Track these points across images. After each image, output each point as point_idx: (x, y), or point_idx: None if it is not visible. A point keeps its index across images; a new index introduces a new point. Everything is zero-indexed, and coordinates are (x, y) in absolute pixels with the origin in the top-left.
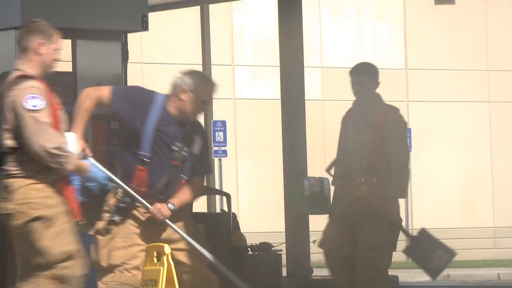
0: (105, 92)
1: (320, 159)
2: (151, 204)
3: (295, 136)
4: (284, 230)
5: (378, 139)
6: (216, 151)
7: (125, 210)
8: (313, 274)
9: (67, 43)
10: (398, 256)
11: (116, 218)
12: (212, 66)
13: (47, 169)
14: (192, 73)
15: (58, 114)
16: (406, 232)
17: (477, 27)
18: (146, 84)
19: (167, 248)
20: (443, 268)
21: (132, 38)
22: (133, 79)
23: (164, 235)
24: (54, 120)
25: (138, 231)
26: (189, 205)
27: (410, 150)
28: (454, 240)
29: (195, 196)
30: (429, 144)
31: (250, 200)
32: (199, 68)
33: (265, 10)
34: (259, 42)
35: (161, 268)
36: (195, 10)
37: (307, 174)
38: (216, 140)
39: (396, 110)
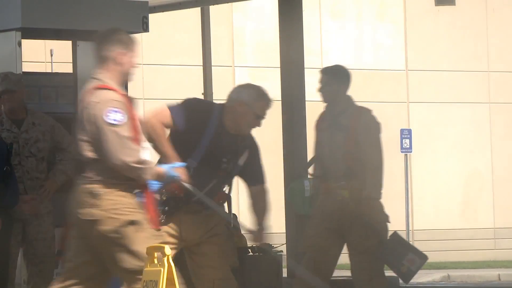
0: (166, 117)
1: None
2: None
3: (296, 137)
4: (284, 231)
5: (352, 142)
6: None
7: (170, 213)
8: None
9: (67, 45)
10: None
11: (162, 218)
12: (212, 67)
13: (128, 179)
14: (249, 87)
15: (137, 125)
16: (378, 236)
17: (478, 28)
18: (147, 85)
19: (167, 249)
20: (415, 272)
21: None
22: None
23: (199, 235)
24: (134, 132)
25: (176, 231)
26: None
27: (410, 152)
28: (455, 241)
29: (267, 202)
30: (430, 145)
31: None
32: (199, 69)
33: (265, 11)
34: (259, 43)
35: (162, 269)
36: (196, 12)
37: (307, 175)
38: None
39: (368, 111)
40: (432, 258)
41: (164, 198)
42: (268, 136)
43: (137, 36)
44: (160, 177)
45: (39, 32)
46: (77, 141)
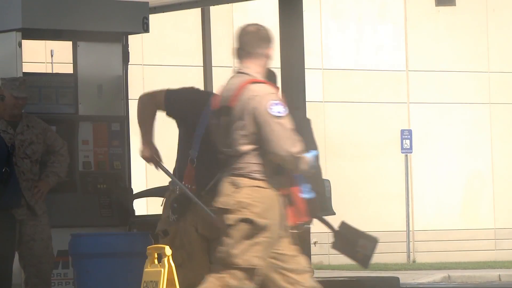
0: (160, 97)
1: (320, 160)
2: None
3: None
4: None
5: None
6: None
7: (180, 210)
8: (314, 275)
9: (68, 45)
10: (399, 257)
11: (173, 217)
12: (213, 67)
13: (276, 174)
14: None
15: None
16: (329, 226)
17: (478, 28)
18: (147, 86)
19: (167, 250)
20: (371, 255)
21: (133, 40)
22: (134, 81)
23: (215, 230)
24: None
25: (194, 228)
26: None
27: (411, 152)
28: (455, 242)
29: None
30: (430, 145)
31: None
32: (200, 70)
33: (266, 11)
34: None
35: (162, 269)
36: (196, 12)
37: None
38: None
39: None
40: (432, 258)
41: (178, 193)
42: None
43: (138, 37)
44: (309, 166)
45: (40, 32)
46: (230, 135)
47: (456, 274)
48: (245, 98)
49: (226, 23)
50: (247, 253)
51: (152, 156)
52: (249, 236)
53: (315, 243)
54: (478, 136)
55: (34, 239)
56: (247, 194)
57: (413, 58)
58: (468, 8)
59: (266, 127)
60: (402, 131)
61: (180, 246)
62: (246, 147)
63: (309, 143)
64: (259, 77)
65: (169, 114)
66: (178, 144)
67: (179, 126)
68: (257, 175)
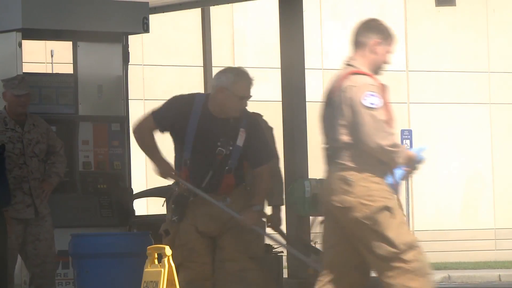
0: (149, 123)
1: (321, 160)
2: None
3: (296, 137)
4: (285, 232)
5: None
6: None
7: (180, 210)
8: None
9: (68, 45)
10: None
11: (174, 218)
12: (213, 68)
13: (380, 162)
14: (227, 71)
15: (391, 112)
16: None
17: (478, 28)
18: (147, 86)
19: (167, 250)
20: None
21: (133, 40)
22: (134, 81)
23: (214, 227)
24: (388, 119)
25: (191, 226)
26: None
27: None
28: (455, 242)
29: (269, 183)
30: (430, 145)
31: None
32: (200, 70)
33: (266, 12)
34: (260, 44)
35: (162, 269)
36: (196, 12)
37: (308, 176)
38: None
39: (259, 116)
40: (432, 258)
41: (176, 194)
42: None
43: (138, 37)
44: (409, 160)
45: (40, 33)
46: (332, 126)
47: (456, 274)
48: (345, 89)
49: (226, 23)
50: (401, 236)
51: (169, 173)
52: (391, 221)
53: (315, 243)
54: (478, 136)
55: (39, 239)
56: (363, 187)
57: (413, 58)
58: (468, 8)
59: (358, 117)
60: (402, 131)
61: (180, 245)
62: (346, 138)
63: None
64: (363, 69)
65: (162, 131)
66: (174, 152)
67: (171, 135)
68: (364, 167)
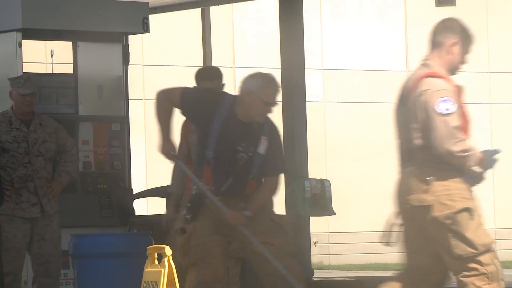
0: (175, 97)
1: (321, 160)
2: (225, 204)
3: (296, 137)
4: None
5: None
6: None
7: (195, 209)
8: (314, 275)
9: (68, 45)
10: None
11: (188, 216)
12: None
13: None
14: (256, 76)
15: (466, 113)
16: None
17: (478, 28)
18: (147, 86)
19: (168, 250)
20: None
21: (133, 40)
22: (134, 81)
23: (234, 229)
24: (463, 121)
25: (210, 227)
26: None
27: None
28: None
29: (270, 196)
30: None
31: None
32: None
33: (266, 12)
34: (260, 44)
35: (162, 269)
36: (196, 12)
37: (308, 176)
38: None
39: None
40: None
41: (193, 193)
42: None
43: (138, 37)
44: (481, 163)
45: (40, 33)
46: (407, 128)
47: None
48: (419, 92)
49: (226, 23)
50: (480, 237)
51: (169, 152)
52: (471, 222)
53: (315, 243)
54: (478, 136)
55: (44, 238)
56: (442, 186)
57: (413, 58)
58: (468, 8)
59: (431, 122)
60: None
61: (196, 244)
62: (420, 141)
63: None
64: (439, 70)
65: (183, 114)
66: (197, 143)
67: (196, 126)
68: (441, 166)
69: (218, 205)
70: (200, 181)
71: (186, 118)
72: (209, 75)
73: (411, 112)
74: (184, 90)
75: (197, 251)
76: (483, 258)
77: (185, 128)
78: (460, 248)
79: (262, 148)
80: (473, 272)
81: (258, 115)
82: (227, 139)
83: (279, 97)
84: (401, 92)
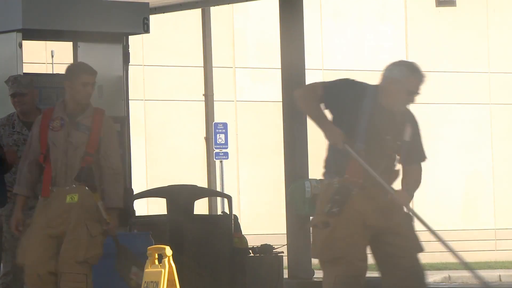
0: (318, 91)
1: (321, 161)
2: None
3: (296, 138)
4: (285, 232)
5: (93, 144)
6: (217, 153)
7: (342, 201)
8: (314, 276)
9: (68, 46)
10: None
11: (335, 209)
12: (213, 68)
13: None
14: (401, 64)
15: None
16: (117, 244)
17: (478, 29)
18: (147, 87)
19: (168, 250)
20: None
21: (134, 40)
22: (134, 82)
23: (383, 222)
24: None
25: (361, 220)
26: None
27: None
28: (455, 242)
29: (418, 183)
30: (430, 145)
31: (251, 202)
32: (200, 70)
33: (266, 12)
34: (260, 44)
35: (163, 270)
36: (196, 13)
37: (308, 176)
38: (218, 142)
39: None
40: (433, 259)
41: (337, 186)
42: (269, 137)
43: (138, 37)
44: None
45: (40, 33)
46: None
47: (456, 274)
48: None
49: (226, 23)
50: None
51: (340, 140)
52: None
53: None
54: (479, 136)
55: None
56: None
57: (413, 58)
58: (469, 8)
59: None
60: None
61: (341, 238)
62: None
63: (117, 152)
64: None
65: (327, 107)
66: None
67: (335, 119)
68: None
69: (384, 185)
70: (346, 173)
71: (330, 110)
72: (89, 68)
73: None
74: (326, 84)
75: (342, 244)
76: None
77: None
78: None
79: (407, 135)
80: None
81: (400, 104)
82: (376, 129)
83: (421, 87)
84: None
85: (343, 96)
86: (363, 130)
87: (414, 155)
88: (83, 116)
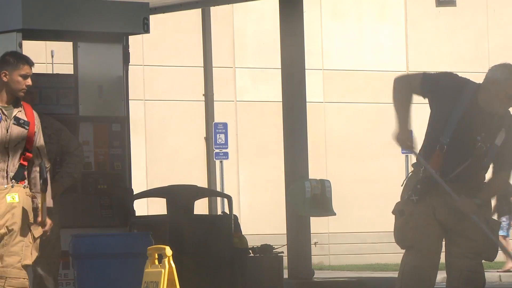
0: (416, 82)
1: (321, 161)
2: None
3: (296, 138)
4: (285, 232)
5: (31, 139)
6: (217, 153)
7: (422, 191)
8: (314, 276)
9: (68, 46)
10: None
11: (413, 198)
12: (213, 68)
13: None
14: (505, 67)
15: None
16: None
17: (478, 29)
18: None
19: (168, 250)
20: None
21: (134, 41)
22: (134, 82)
23: (452, 220)
24: None
25: (432, 212)
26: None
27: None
28: None
29: (500, 190)
30: None
31: (251, 202)
32: (200, 70)
33: (266, 12)
34: (260, 44)
35: (163, 270)
36: (196, 13)
37: (308, 176)
38: (218, 142)
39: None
40: None
41: (422, 176)
42: (269, 137)
43: (138, 37)
44: None
45: (40, 33)
46: None
47: None
48: None
49: (226, 23)
50: None
51: (405, 142)
52: None
53: (315, 243)
54: None
55: (41, 239)
56: None
57: (413, 58)
58: (469, 9)
59: None
60: None
61: (414, 227)
62: None
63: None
64: None
65: (424, 95)
66: (427, 128)
67: (432, 110)
68: None
69: (448, 191)
70: (429, 164)
71: (428, 100)
72: (30, 59)
73: None
74: (426, 74)
75: (415, 234)
76: None
77: None
78: None
79: (499, 140)
80: None
81: (498, 106)
82: (466, 127)
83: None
84: None
85: (442, 84)
86: (453, 124)
87: (503, 162)
88: (18, 110)
